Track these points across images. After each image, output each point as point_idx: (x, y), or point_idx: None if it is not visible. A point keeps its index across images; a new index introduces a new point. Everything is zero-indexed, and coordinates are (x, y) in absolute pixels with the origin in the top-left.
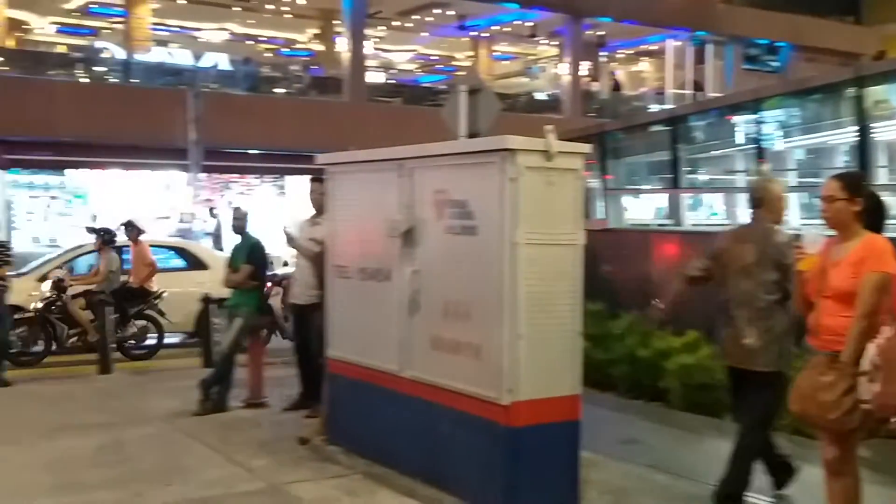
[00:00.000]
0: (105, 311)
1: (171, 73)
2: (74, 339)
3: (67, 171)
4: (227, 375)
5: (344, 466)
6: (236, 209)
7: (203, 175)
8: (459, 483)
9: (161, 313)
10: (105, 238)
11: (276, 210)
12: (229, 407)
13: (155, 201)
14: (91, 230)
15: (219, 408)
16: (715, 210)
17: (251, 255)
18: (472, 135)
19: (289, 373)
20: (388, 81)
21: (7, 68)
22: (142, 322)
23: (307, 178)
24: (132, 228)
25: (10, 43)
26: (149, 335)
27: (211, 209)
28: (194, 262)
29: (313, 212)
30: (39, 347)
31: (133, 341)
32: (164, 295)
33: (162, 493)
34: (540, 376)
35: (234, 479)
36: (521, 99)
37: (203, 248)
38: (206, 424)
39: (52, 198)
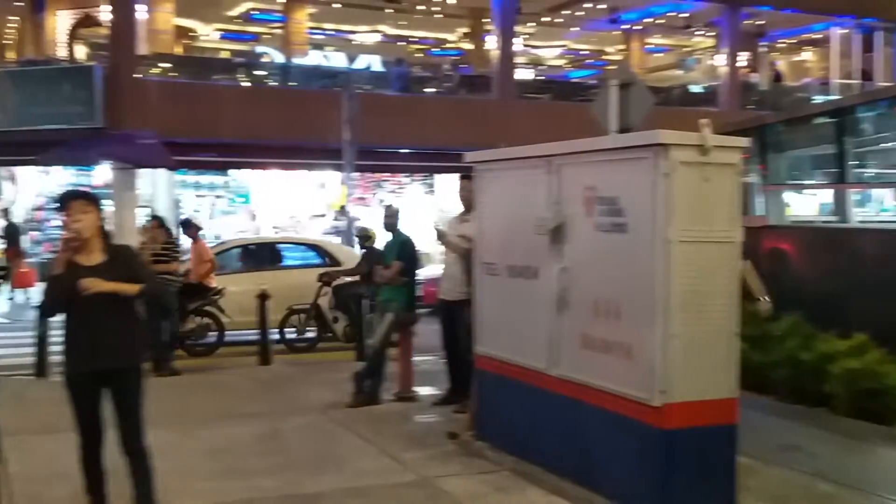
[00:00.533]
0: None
1: (326, 75)
2: None
3: (231, 171)
4: (378, 369)
5: (492, 462)
6: (387, 207)
7: (356, 174)
8: (610, 484)
9: (220, 310)
10: None
11: (426, 208)
12: (381, 400)
13: (311, 200)
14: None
15: (371, 400)
16: (885, 206)
17: (401, 252)
18: (623, 130)
19: (438, 368)
20: (537, 78)
21: (175, 74)
22: (201, 318)
23: (456, 175)
24: (190, 226)
25: (178, 50)
26: (209, 332)
27: (342, 207)
28: (329, 259)
29: (462, 209)
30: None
31: (193, 337)
32: (224, 291)
33: (317, 481)
34: (694, 378)
35: (386, 471)
36: (675, 92)
37: (337, 245)
38: (359, 416)
39: (217, 197)
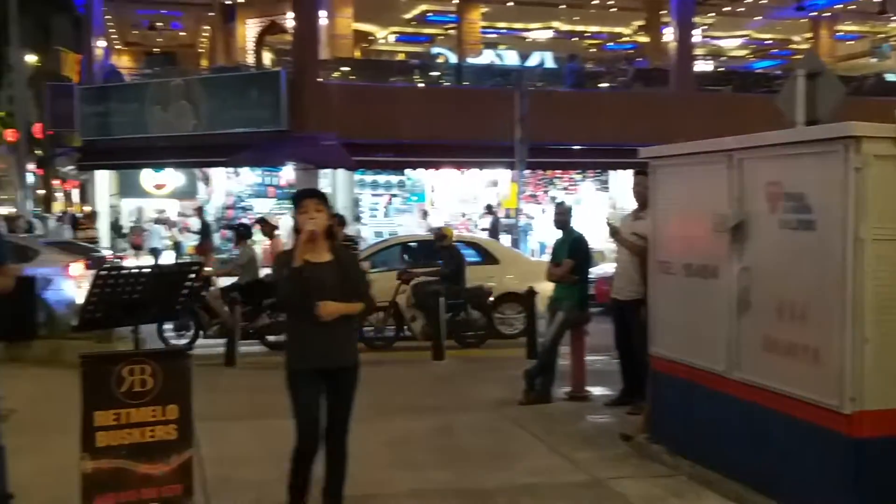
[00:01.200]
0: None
1: (499, 73)
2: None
3: (406, 171)
4: (550, 367)
5: (668, 466)
6: (559, 204)
7: (527, 171)
8: (793, 493)
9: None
10: (241, 233)
11: (599, 204)
12: (553, 398)
13: (482, 198)
14: (229, 226)
15: (542, 399)
16: None
17: (573, 250)
18: (810, 122)
19: (611, 368)
20: (717, 69)
21: (354, 77)
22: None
23: (630, 172)
24: (266, 224)
25: (357, 53)
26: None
27: (489, 206)
28: (487, 257)
29: (636, 206)
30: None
31: (269, 332)
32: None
33: (488, 477)
34: (889, 385)
35: (558, 470)
36: (869, 81)
37: (497, 243)
38: (530, 414)
39: (393, 195)
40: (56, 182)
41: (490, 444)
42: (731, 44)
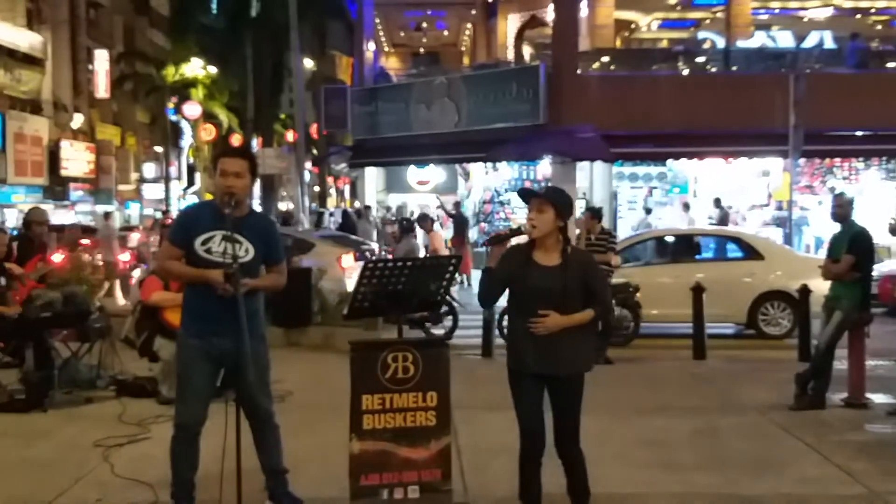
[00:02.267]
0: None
1: (770, 57)
2: None
3: (668, 162)
4: (824, 371)
5: None
6: (838, 195)
7: (802, 160)
8: None
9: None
10: (404, 227)
11: (885, 196)
12: (827, 405)
13: (752, 189)
14: (392, 221)
15: (816, 404)
16: None
17: (854, 245)
18: None
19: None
20: None
21: (614, 67)
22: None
23: None
24: (425, 219)
25: (618, 43)
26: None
27: (716, 200)
28: (750, 252)
29: None
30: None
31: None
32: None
33: (754, 483)
34: None
35: (831, 481)
36: None
37: (761, 238)
38: (801, 420)
39: (652, 188)
40: (329, 179)
41: (756, 449)
42: None
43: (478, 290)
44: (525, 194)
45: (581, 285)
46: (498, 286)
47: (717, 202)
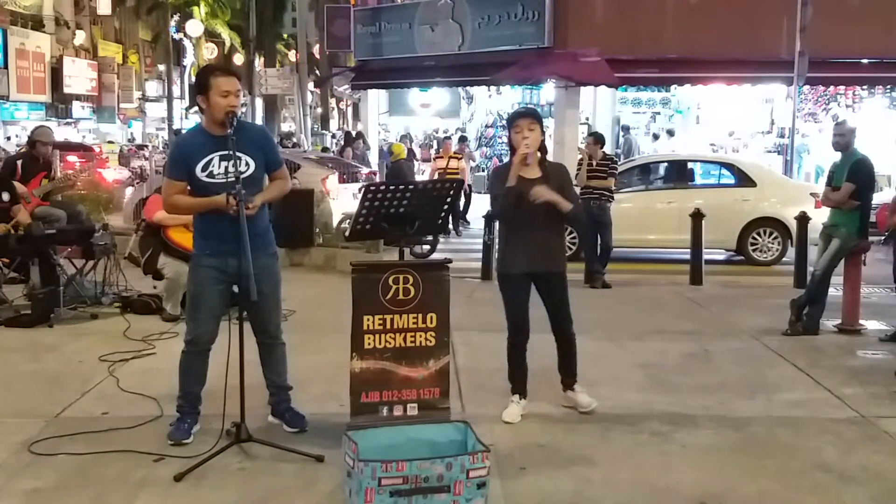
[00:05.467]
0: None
1: None
2: None
3: (672, 88)
4: (819, 298)
5: None
6: (839, 124)
7: (806, 88)
8: None
9: None
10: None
11: (887, 124)
12: (821, 331)
13: (754, 116)
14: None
15: (810, 330)
16: None
17: (854, 173)
18: None
19: (889, 301)
20: None
21: None
22: None
23: None
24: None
25: None
26: None
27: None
28: (743, 179)
29: None
30: None
31: None
32: None
33: (745, 405)
34: None
35: (821, 404)
36: None
37: (755, 164)
38: (794, 345)
39: (655, 114)
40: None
41: (749, 373)
42: None
43: (496, 208)
44: (516, 116)
45: (559, 192)
46: (516, 201)
47: (626, 129)
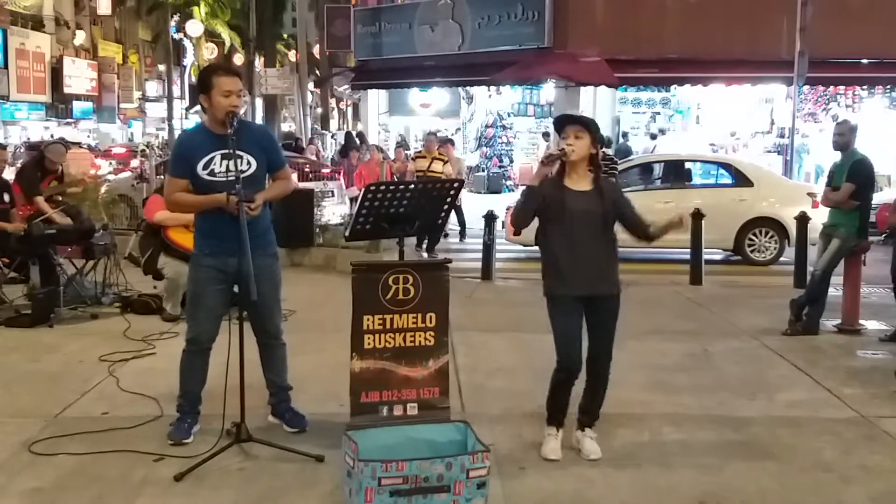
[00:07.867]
0: None
1: None
2: None
3: (672, 88)
4: (819, 298)
5: None
6: (840, 123)
7: (806, 88)
8: None
9: None
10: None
11: (887, 124)
12: (821, 331)
13: (755, 116)
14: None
15: (809, 330)
16: None
17: (853, 173)
18: None
19: (889, 301)
20: None
21: None
22: None
23: None
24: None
25: None
26: None
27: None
28: (740, 179)
29: None
30: None
31: None
32: None
33: (745, 405)
34: None
35: (820, 404)
36: None
37: (752, 164)
38: (794, 345)
39: (655, 113)
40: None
41: (749, 373)
42: None
43: (515, 209)
44: (562, 121)
45: (614, 208)
46: (537, 204)
47: (625, 135)
